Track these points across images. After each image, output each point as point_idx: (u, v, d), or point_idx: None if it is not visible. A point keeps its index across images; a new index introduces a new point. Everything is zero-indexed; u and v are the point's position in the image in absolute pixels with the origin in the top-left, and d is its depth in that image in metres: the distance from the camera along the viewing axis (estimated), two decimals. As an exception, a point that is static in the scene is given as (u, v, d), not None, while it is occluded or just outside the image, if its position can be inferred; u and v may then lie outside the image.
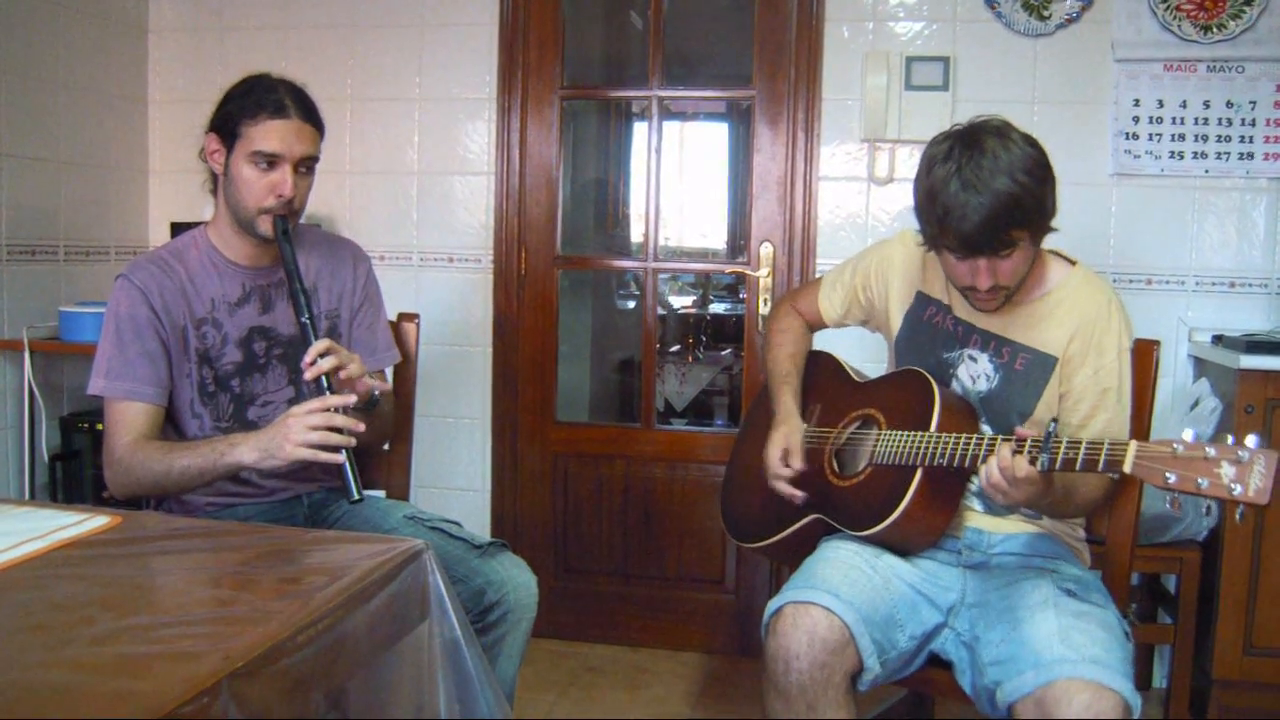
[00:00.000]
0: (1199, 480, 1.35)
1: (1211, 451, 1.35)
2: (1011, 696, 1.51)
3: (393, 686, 1.26)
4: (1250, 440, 1.33)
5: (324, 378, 1.70)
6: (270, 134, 1.77)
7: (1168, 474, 1.37)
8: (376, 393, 1.85)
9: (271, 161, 1.78)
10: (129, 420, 1.79)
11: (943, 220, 1.60)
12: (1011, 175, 1.57)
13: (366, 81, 3.12)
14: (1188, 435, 1.38)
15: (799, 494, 1.87)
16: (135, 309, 1.81)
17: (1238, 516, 1.36)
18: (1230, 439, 1.35)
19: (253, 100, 1.78)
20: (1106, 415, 1.72)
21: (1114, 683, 1.46)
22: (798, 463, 1.87)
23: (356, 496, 1.66)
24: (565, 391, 3.29)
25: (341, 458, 1.64)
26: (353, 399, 1.68)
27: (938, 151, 1.63)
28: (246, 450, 1.68)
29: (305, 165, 1.82)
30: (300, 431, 1.63)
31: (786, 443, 1.89)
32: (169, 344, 1.83)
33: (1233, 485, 1.33)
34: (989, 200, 1.56)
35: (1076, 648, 1.51)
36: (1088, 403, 1.72)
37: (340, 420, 1.65)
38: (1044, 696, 1.47)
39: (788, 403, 1.96)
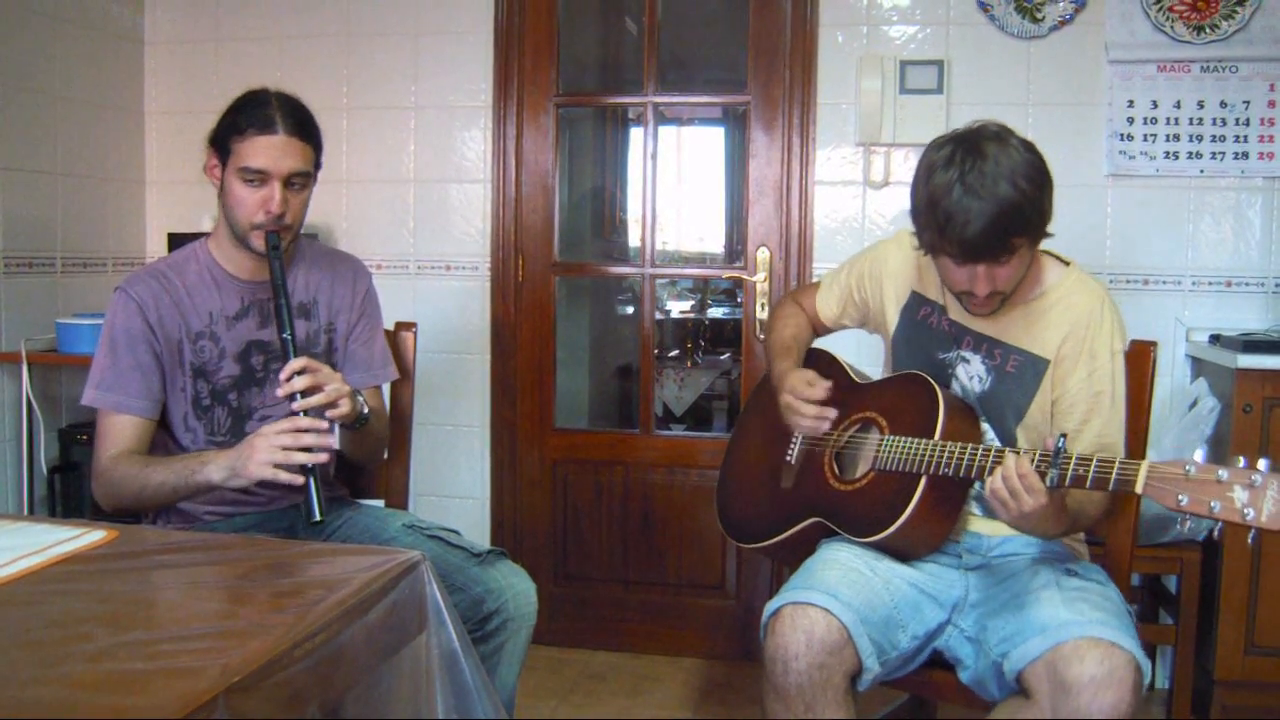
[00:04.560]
0: (1212, 503, 1.34)
1: (1224, 474, 1.34)
2: (1019, 664, 1.51)
3: (391, 698, 1.26)
4: (1262, 464, 1.32)
5: (298, 395, 1.67)
6: (257, 150, 1.75)
7: (1180, 496, 1.36)
8: (365, 410, 1.84)
9: (260, 178, 1.77)
10: (115, 433, 1.80)
11: (944, 226, 1.58)
12: (1013, 181, 1.55)
13: (362, 90, 3.13)
14: (1199, 456, 1.37)
15: (830, 414, 1.83)
16: (130, 321, 1.82)
17: (1249, 540, 1.34)
18: (1243, 461, 1.34)
19: (244, 116, 1.77)
20: (1101, 419, 1.71)
21: (1124, 642, 1.46)
22: (822, 386, 1.82)
23: (317, 518, 1.63)
24: (564, 398, 3.29)
25: (302, 480, 1.63)
26: (324, 424, 1.66)
27: (938, 157, 1.61)
28: (215, 469, 1.67)
29: (297, 181, 1.80)
30: (266, 451, 1.62)
31: (802, 379, 1.85)
32: (162, 357, 1.83)
33: (1246, 510, 1.31)
34: (991, 207, 1.54)
35: (1082, 612, 1.51)
36: (1082, 407, 1.72)
37: (309, 439, 1.62)
38: (1054, 658, 1.46)
39: (787, 363, 1.94)
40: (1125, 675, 1.43)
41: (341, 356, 1.98)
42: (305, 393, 1.68)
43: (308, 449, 1.62)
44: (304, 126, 1.81)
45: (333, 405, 1.71)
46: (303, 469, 1.63)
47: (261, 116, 1.76)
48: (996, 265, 1.61)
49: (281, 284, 1.77)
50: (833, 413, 1.83)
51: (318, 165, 1.87)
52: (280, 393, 1.69)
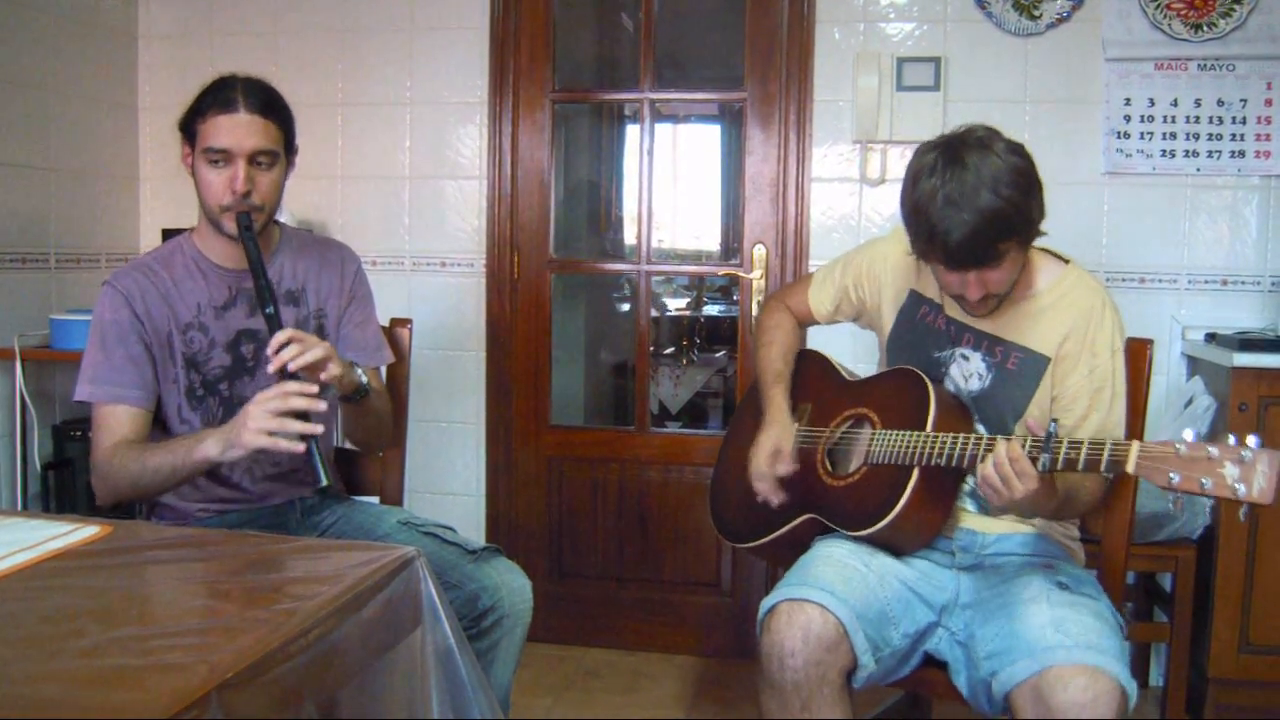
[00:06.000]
0: (1202, 480, 1.35)
1: (1214, 451, 1.35)
2: (1007, 685, 1.51)
3: (385, 696, 1.25)
4: (1251, 440, 1.34)
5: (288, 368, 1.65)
6: (219, 129, 1.74)
7: (1171, 474, 1.38)
8: (364, 380, 1.82)
9: (224, 157, 1.76)
10: (113, 424, 1.78)
11: (929, 237, 1.60)
12: (995, 190, 1.56)
13: (357, 86, 3.12)
14: (1189, 435, 1.38)
15: (780, 496, 1.86)
16: (118, 314, 1.81)
17: (1241, 516, 1.36)
18: (1232, 438, 1.35)
19: (207, 99, 1.77)
20: (1101, 415, 1.72)
21: (1110, 667, 1.46)
22: (786, 467, 1.85)
23: (324, 482, 1.61)
24: (559, 395, 3.29)
25: (302, 446, 1.60)
26: (314, 388, 1.63)
27: (922, 164, 1.62)
28: (212, 443, 1.65)
29: (263, 159, 1.78)
30: (259, 419, 1.59)
31: (776, 444, 1.87)
32: (153, 348, 1.82)
33: (1237, 485, 1.33)
34: (972, 218, 1.55)
35: (1071, 635, 1.51)
36: (1082, 403, 1.72)
37: (299, 402, 1.60)
38: (1039, 683, 1.47)
39: (779, 403, 1.94)
40: (1110, 701, 1.44)
41: (334, 340, 1.96)
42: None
43: (301, 414, 1.60)
44: (268, 105, 1.79)
45: (323, 368, 1.68)
46: (301, 436, 1.61)
47: (223, 97, 1.75)
48: (986, 270, 1.62)
49: (258, 262, 1.75)
50: (783, 498, 1.87)
51: (291, 148, 1.85)
52: (271, 368, 1.65)
